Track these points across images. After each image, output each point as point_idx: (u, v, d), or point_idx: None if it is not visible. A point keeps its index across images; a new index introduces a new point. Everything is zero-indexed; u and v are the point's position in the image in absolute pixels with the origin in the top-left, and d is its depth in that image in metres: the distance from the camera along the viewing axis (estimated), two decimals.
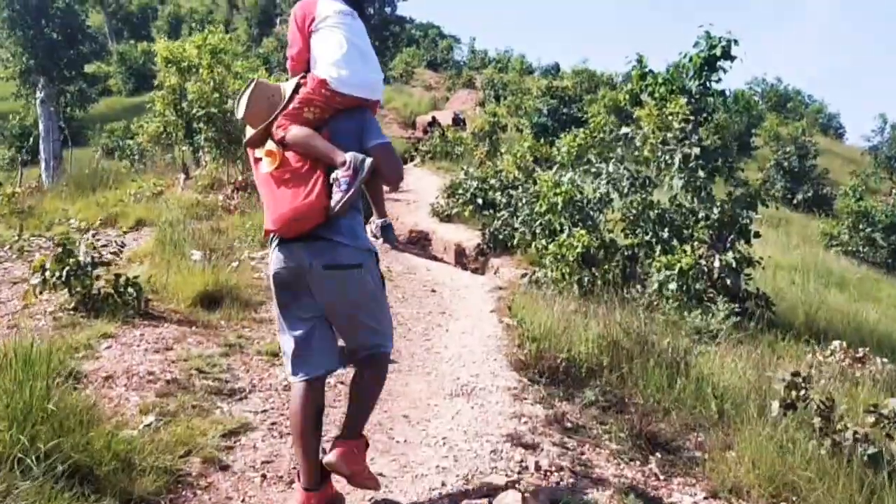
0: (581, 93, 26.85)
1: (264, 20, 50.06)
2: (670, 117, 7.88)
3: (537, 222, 8.60)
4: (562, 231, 8.39)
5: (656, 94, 8.99)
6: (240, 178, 12.50)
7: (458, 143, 23.09)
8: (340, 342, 2.97)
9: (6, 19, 22.77)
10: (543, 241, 8.53)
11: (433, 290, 8.17)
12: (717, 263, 8.50)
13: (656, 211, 7.72)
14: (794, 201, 23.08)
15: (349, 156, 2.72)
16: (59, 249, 5.22)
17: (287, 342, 2.88)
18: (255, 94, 2.90)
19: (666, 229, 7.78)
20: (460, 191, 13.42)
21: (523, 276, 8.65)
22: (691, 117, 7.89)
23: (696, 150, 7.65)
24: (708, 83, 8.82)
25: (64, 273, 5.11)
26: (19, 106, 26.46)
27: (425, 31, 57.81)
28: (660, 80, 8.97)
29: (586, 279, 7.67)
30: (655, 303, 6.86)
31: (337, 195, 2.70)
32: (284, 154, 2.82)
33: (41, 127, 23.61)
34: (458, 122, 26.34)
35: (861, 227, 17.64)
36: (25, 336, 3.86)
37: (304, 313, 2.84)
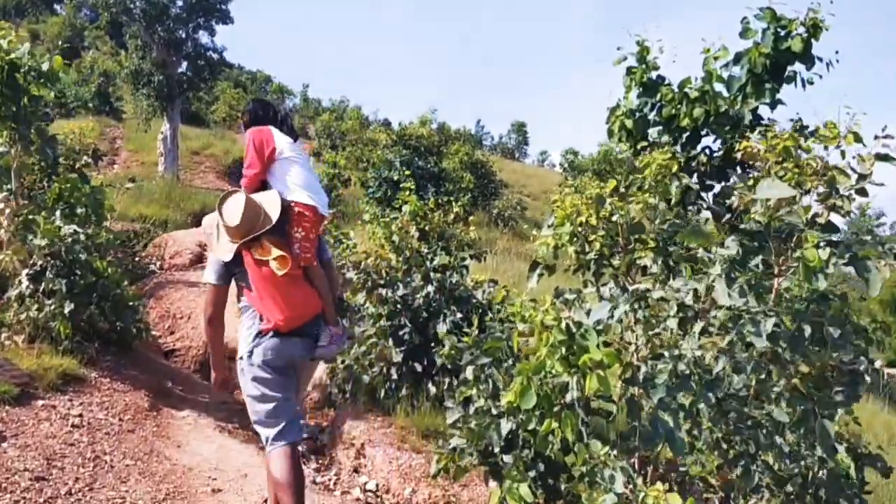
0: (438, 144, 22.72)
1: (69, 52, 42.37)
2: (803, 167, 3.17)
3: (499, 423, 3.38)
4: (570, 452, 3.20)
5: (684, 121, 4.70)
6: None
7: None
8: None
9: None
10: (515, 473, 3.35)
11: None
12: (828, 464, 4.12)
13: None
14: None
15: (342, 324, 3.68)
16: None
17: (270, 414, 3.42)
18: (248, 209, 3.28)
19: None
20: None
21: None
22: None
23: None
24: (764, 105, 4.65)
25: None
26: None
27: (254, 76, 52.10)
28: (692, 96, 4.66)
29: None
30: None
31: (333, 347, 3.51)
32: (291, 261, 3.34)
33: None
34: None
35: None
36: None
37: (283, 391, 3.47)
